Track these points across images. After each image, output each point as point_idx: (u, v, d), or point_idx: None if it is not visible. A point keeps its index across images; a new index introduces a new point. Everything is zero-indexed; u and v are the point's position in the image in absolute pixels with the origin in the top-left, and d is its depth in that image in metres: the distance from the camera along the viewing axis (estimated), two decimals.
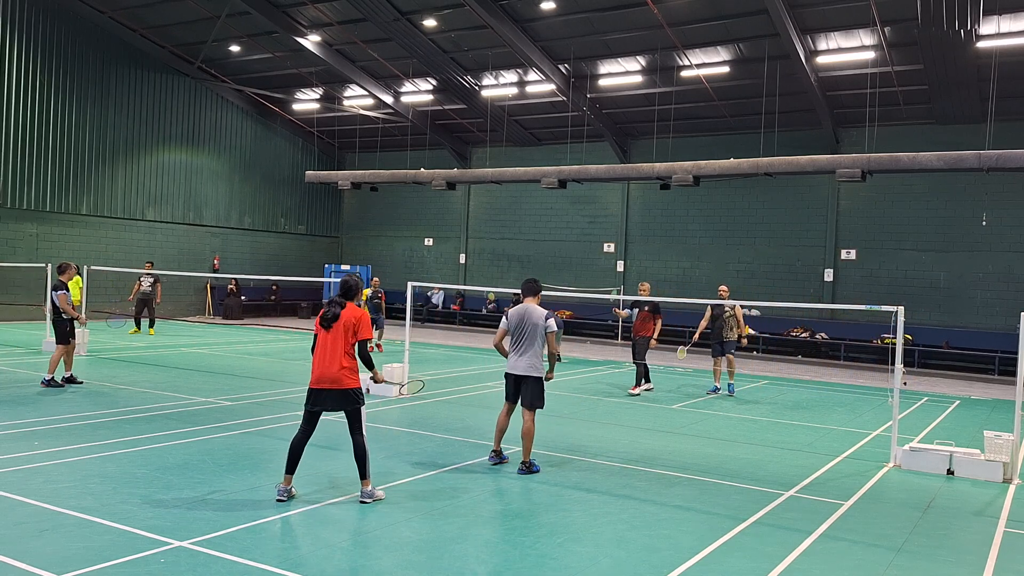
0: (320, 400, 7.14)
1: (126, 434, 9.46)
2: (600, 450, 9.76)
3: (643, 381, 14.71)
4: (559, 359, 9.24)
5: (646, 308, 14.55)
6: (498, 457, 8.76)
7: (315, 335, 7.30)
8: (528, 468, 8.41)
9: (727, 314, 15.04)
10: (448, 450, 9.42)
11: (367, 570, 5.58)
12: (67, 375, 12.81)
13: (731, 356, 15.13)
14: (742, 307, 15.24)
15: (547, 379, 8.60)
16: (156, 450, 8.73)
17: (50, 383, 12.42)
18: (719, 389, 15.22)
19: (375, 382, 7.71)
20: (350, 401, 7.12)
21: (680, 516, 7.20)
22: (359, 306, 7.34)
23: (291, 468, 7.10)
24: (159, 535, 5.99)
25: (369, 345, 7.29)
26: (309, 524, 6.50)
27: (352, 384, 7.12)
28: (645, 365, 14.68)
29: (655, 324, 14.54)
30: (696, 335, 15.52)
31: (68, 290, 13.00)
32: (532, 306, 8.55)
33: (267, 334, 23.59)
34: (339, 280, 7.46)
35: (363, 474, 7.15)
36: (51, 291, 12.91)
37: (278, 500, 6.99)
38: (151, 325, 21.54)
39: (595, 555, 6.06)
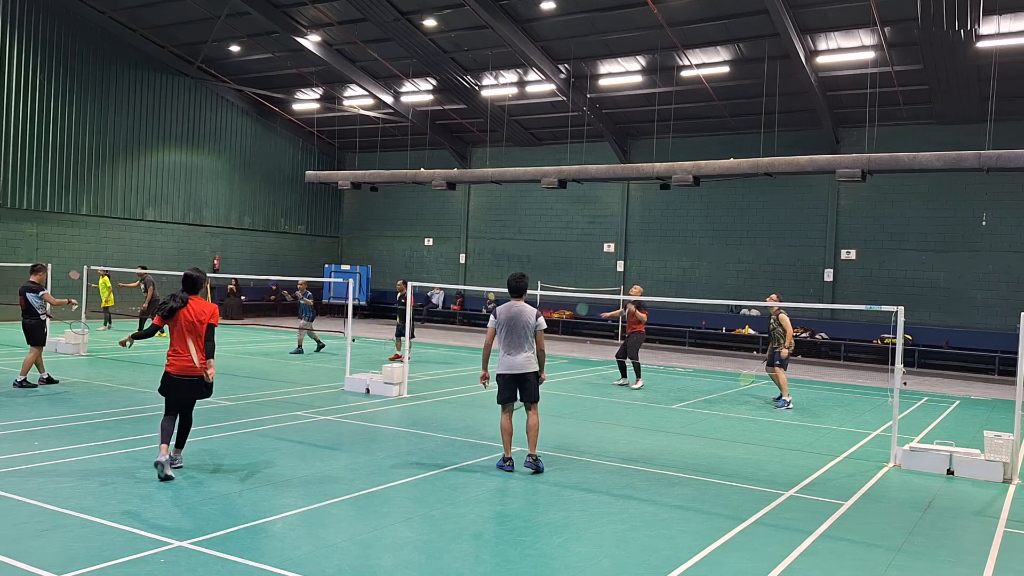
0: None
1: (126, 434, 9.46)
2: (600, 450, 9.75)
3: (637, 376, 15.34)
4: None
5: (634, 306, 15.24)
6: (512, 465, 8.42)
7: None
8: (537, 461, 8.41)
9: (771, 324, 14.17)
10: (448, 450, 9.41)
11: (367, 570, 5.58)
12: (44, 376, 12.67)
13: (777, 370, 13.88)
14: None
15: (541, 380, 8.60)
16: (156, 450, 8.72)
17: (22, 384, 12.32)
18: (782, 398, 14.00)
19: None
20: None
21: (680, 516, 7.20)
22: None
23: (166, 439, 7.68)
24: (159, 535, 5.99)
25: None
26: (309, 524, 6.50)
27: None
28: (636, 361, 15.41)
29: (642, 317, 15.30)
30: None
31: (46, 289, 13.01)
32: (522, 304, 8.55)
33: (267, 334, 23.58)
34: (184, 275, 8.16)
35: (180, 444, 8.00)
36: (27, 294, 12.58)
37: (163, 479, 7.43)
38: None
39: (595, 555, 6.06)
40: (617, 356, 15.73)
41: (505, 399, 8.53)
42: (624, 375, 15.51)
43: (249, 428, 10.07)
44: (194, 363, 7.66)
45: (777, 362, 13.93)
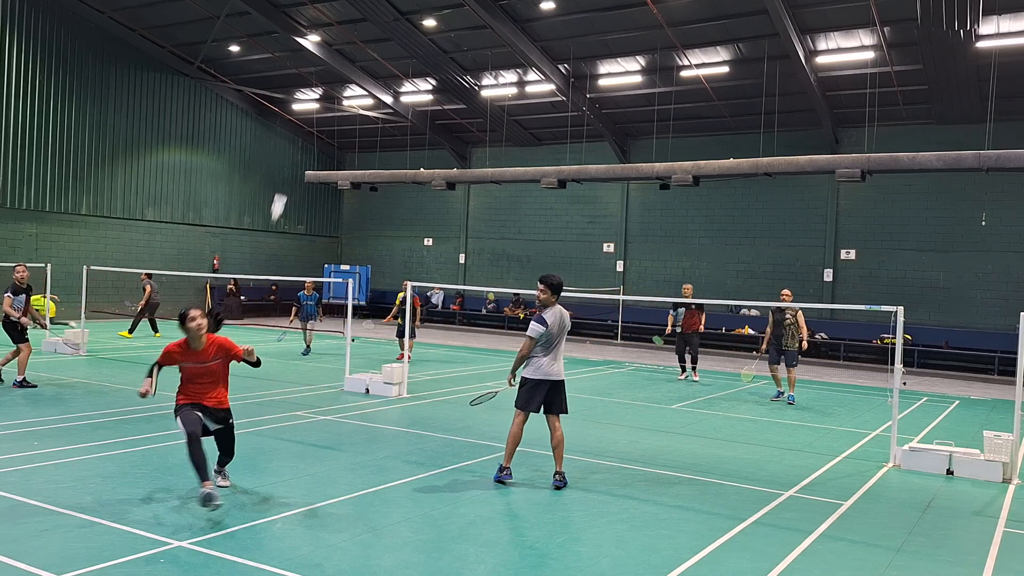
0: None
1: (126, 434, 9.46)
2: (600, 450, 9.76)
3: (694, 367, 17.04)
4: None
5: (692, 307, 16.72)
6: (511, 475, 7.93)
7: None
8: (564, 477, 7.93)
9: (787, 321, 14.16)
10: (448, 450, 9.41)
11: (367, 570, 5.58)
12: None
13: (791, 368, 14.18)
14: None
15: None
16: (156, 450, 8.73)
17: (22, 384, 12.35)
18: (782, 394, 14.48)
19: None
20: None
21: (680, 516, 7.20)
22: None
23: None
24: (159, 535, 5.99)
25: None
26: (309, 524, 6.50)
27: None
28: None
29: (702, 318, 16.84)
30: (763, 346, 14.72)
31: (14, 295, 12.69)
32: (562, 308, 8.02)
33: (267, 334, 23.57)
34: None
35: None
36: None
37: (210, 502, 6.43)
38: (155, 328, 21.44)
39: (595, 555, 6.06)
40: (680, 352, 17.24)
41: (531, 407, 7.88)
42: (684, 370, 17.20)
43: (249, 428, 10.06)
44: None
45: (795, 362, 14.31)
